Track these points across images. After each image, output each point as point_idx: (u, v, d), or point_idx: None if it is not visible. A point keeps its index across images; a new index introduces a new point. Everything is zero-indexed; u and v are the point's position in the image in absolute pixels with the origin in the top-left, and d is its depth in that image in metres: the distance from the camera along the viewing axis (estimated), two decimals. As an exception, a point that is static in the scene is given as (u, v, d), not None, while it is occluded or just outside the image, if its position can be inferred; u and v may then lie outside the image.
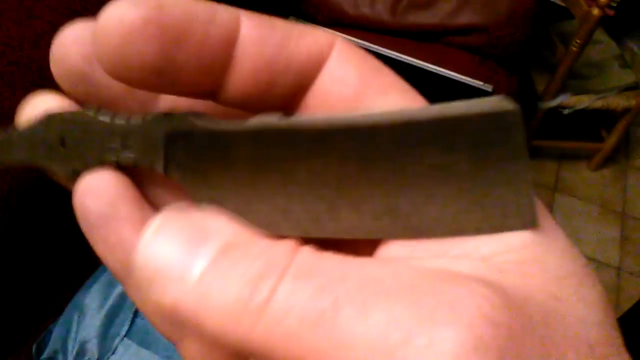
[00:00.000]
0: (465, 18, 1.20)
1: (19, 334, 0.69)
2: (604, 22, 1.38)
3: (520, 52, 1.26)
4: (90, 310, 0.64)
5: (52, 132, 0.18)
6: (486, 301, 0.12)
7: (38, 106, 0.18)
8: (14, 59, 0.62)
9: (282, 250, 0.14)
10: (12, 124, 0.19)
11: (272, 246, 0.14)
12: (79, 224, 0.17)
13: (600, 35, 1.60)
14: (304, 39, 0.16)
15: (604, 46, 1.60)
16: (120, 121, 0.17)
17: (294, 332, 0.13)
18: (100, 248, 0.17)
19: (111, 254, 0.17)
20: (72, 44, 0.17)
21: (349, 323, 0.12)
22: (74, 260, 0.71)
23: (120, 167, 0.17)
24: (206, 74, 0.15)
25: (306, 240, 0.15)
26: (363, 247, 0.17)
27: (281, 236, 0.15)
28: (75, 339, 0.63)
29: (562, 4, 1.44)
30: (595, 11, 1.21)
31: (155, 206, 0.18)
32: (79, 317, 0.64)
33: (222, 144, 0.16)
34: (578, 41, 1.29)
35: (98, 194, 0.17)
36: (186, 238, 0.14)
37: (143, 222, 0.17)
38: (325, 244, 0.15)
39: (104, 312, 0.63)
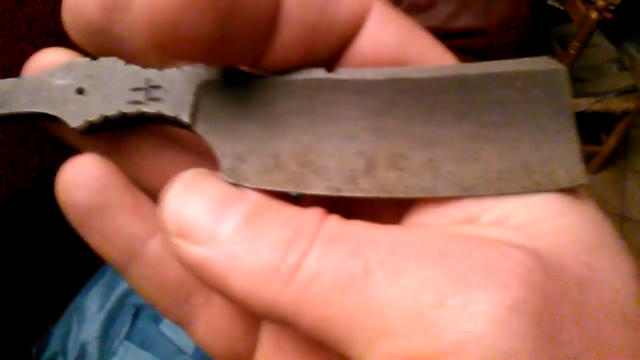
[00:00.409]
0: (464, 21, 1.21)
1: (20, 335, 0.69)
2: (602, 25, 1.38)
3: (518, 55, 1.27)
4: (90, 312, 0.64)
5: (71, 79, 0.16)
6: (520, 263, 0.12)
7: (49, 59, 0.17)
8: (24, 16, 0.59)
9: (311, 217, 0.14)
10: (21, 73, 0.17)
11: (301, 212, 0.14)
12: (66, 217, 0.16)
13: (598, 38, 1.60)
14: (344, 0, 0.15)
15: (602, 49, 1.61)
16: (152, 70, 0.16)
17: (324, 296, 0.13)
18: (95, 239, 0.17)
19: (108, 244, 0.17)
20: None
21: (380, 286, 0.12)
22: (74, 263, 0.71)
23: (142, 119, 0.16)
24: (253, 42, 0.15)
25: (331, 211, 0.15)
26: (387, 217, 0.17)
27: (306, 204, 0.15)
28: (76, 341, 0.63)
29: (561, 7, 1.45)
30: (594, 14, 1.22)
31: (159, 174, 0.17)
32: (79, 319, 0.64)
33: (259, 95, 0.16)
34: (576, 44, 1.29)
35: (85, 184, 0.16)
36: (217, 195, 0.14)
37: (137, 208, 0.16)
38: (350, 216, 0.15)
39: (104, 314, 0.64)
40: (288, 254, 0.13)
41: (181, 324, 0.19)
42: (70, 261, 0.71)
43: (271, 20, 0.14)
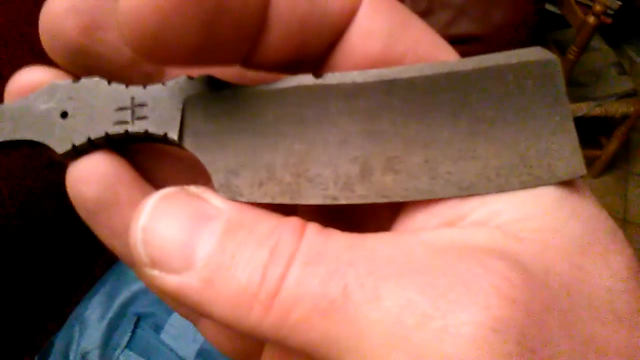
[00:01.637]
0: (462, 28, 1.21)
1: (21, 345, 0.69)
2: (601, 29, 1.38)
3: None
4: (91, 322, 0.64)
5: (54, 103, 0.16)
6: (503, 279, 0.12)
7: (29, 78, 0.16)
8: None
9: (289, 232, 0.13)
10: (4, 94, 0.17)
11: (277, 226, 0.13)
12: (78, 214, 0.16)
13: (597, 42, 1.60)
14: None
15: (601, 53, 1.61)
16: (136, 87, 0.16)
17: (306, 321, 0.12)
18: (105, 234, 0.16)
19: (117, 239, 0.16)
20: (66, 14, 0.15)
21: (360, 310, 0.12)
22: (75, 272, 0.71)
23: (129, 139, 0.16)
24: (243, 41, 0.14)
25: (323, 214, 0.14)
26: (384, 217, 0.17)
27: (283, 209, 0.14)
28: (77, 350, 0.63)
29: (559, 12, 1.45)
30: (591, 19, 1.22)
31: (155, 187, 0.17)
32: (80, 328, 0.64)
33: (247, 106, 0.15)
34: (575, 49, 1.29)
35: (94, 179, 0.16)
36: (187, 217, 0.13)
37: None
38: (347, 215, 0.15)
39: (105, 323, 0.64)
40: (267, 276, 0.13)
41: (190, 319, 0.19)
42: (72, 270, 0.71)
43: (260, 18, 0.14)
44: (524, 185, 0.14)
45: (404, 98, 0.15)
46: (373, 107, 0.15)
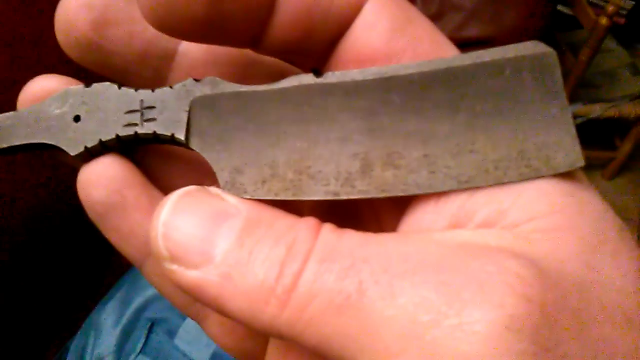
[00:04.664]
0: (473, 31, 1.21)
1: (37, 351, 0.70)
2: (614, 30, 1.37)
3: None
4: (106, 327, 0.65)
5: (67, 108, 0.17)
6: (517, 277, 0.12)
7: (42, 86, 0.17)
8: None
9: (305, 230, 0.14)
10: (17, 101, 0.17)
11: (294, 225, 0.14)
12: (90, 219, 0.17)
13: (610, 43, 1.59)
14: None
15: (614, 54, 1.59)
16: (145, 91, 0.16)
17: (321, 317, 0.12)
18: (113, 236, 0.17)
19: (125, 242, 0.17)
20: (79, 10, 0.16)
21: (375, 306, 0.12)
22: (90, 278, 0.72)
23: (139, 141, 0.16)
24: (251, 21, 0.15)
25: (325, 218, 0.14)
26: (386, 219, 0.17)
27: (297, 210, 0.15)
28: (92, 356, 0.63)
29: (571, 13, 1.44)
30: (604, 20, 1.20)
31: (163, 189, 0.18)
32: (95, 333, 0.65)
33: (250, 106, 0.16)
34: (588, 50, 1.28)
35: (103, 182, 0.16)
36: (207, 214, 0.14)
37: (152, 207, 0.16)
38: (348, 220, 0.15)
39: (119, 328, 0.64)
40: (284, 272, 0.13)
41: (196, 319, 0.19)
42: (86, 276, 0.72)
43: (269, 1, 0.14)
44: (523, 177, 0.14)
45: (402, 94, 0.15)
46: (373, 104, 0.15)
